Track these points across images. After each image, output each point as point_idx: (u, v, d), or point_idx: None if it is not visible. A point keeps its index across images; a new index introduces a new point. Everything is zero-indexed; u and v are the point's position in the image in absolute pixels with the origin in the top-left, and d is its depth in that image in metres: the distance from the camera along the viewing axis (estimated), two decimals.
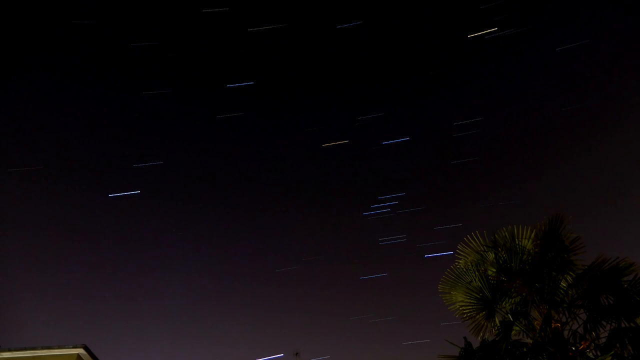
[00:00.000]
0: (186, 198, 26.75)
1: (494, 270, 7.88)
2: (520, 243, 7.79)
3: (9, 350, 13.39)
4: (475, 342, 7.22)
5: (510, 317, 7.28)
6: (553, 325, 7.02)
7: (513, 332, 7.33)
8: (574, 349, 6.87)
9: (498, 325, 7.42)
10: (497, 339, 7.09)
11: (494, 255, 7.94)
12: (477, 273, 7.82)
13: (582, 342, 6.87)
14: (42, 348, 13.34)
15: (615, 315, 6.80)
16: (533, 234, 7.75)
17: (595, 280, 7.03)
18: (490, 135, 24.20)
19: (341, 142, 23.78)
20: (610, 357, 6.37)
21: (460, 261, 8.25)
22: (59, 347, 13.25)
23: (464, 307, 7.81)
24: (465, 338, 7.18)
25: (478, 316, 7.62)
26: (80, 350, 13.30)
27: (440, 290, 8.25)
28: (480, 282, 7.67)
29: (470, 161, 24.73)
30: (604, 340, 6.79)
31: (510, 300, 7.53)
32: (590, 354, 6.81)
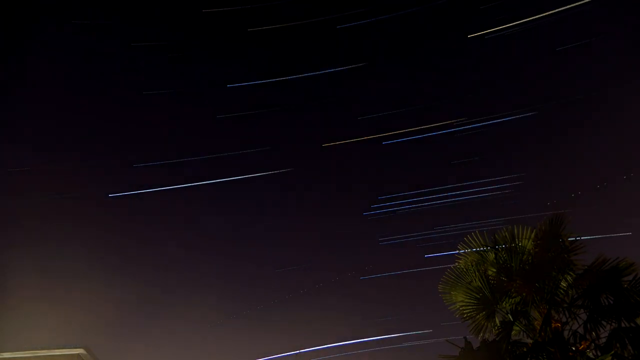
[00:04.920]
0: (185, 197, 26.76)
1: (494, 270, 7.88)
2: (520, 243, 7.80)
3: (10, 350, 13.41)
4: (476, 342, 7.24)
5: (510, 317, 7.29)
6: (553, 325, 7.03)
7: (513, 332, 7.33)
8: (574, 349, 6.87)
9: (498, 325, 7.42)
10: (497, 339, 7.10)
11: (494, 255, 7.94)
12: (477, 273, 7.82)
13: (582, 342, 6.87)
14: (43, 349, 13.37)
15: (615, 315, 6.80)
16: (533, 234, 7.75)
17: (595, 280, 7.03)
18: (490, 135, 24.18)
19: (341, 142, 23.77)
20: (610, 357, 6.38)
21: (460, 261, 8.25)
22: (60, 348, 13.27)
23: (464, 307, 7.81)
24: (465, 338, 7.19)
25: (478, 316, 7.62)
26: (81, 351, 13.33)
27: (440, 290, 8.26)
28: (480, 282, 7.67)
29: (471, 161, 24.73)
30: (604, 340, 6.80)
31: (510, 300, 7.53)
32: (590, 354, 6.82)
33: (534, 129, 23.84)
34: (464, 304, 7.81)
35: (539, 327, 7.03)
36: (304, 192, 28.20)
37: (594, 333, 6.88)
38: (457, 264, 8.24)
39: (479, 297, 7.63)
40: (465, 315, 7.73)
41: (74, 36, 23.35)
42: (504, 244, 7.88)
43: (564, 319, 7.14)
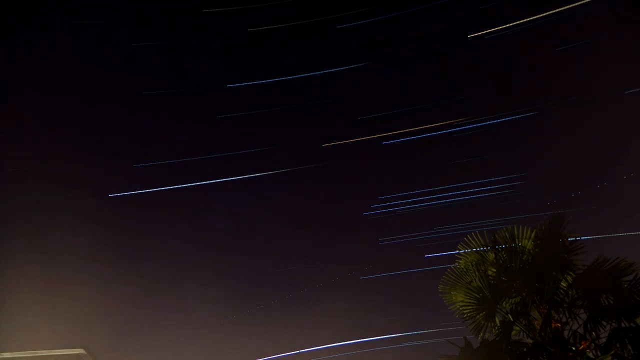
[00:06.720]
0: (185, 197, 26.77)
1: (494, 270, 7.88)
2: (520, 243, 7.80)
3: (10, 350, 13.42)
4: (476, 342, 7.24)
5: (510, 317, 7.29)
6: (553, 325, 7.03)
7: (513, 332, 7.34)
8: (574, 349, 6.88)
9: (498, 325, 7.42)
10: (497, 339, 7.11)
11: (494, 255, 7.95)
12: (477, 273, 7.83)
13: (582, 342, 6.88)
14: (43, 349, 13.37)
15: (615, 315, 6.81)
16: (533, 234, 7.76)
17: (595, 280, 7.04)
18: (490, 135, 24.18)
19: (341, 142, 23.77)
20: (610, 357, 6.38)
21: (460, 261, 8.25)
22: (60, 348, 13.27)
23: (464, 307, 7.81)
24: (465, 338, 7.20)
25: (478, 316, 7.62)
26: (81, 351, 13.33)
27: (440, 290, 8.26)
28: (480, 282, 7.67)
29: (471, 161, 24.75)
30: (604, 340, 6.81)
31: (510, 300, 7.53)
32: (590, 354, 6.82)
33: (534, 129, 23.82)
34: (464, 304, 7.81)
35: (539, 327, 7.03)
36: (304, 192, 28.21)
37: (594, 333, 6.89)
38: (457, 264, 8.25)
39: (479, 297, 7.62)
40: (465, 315, 7.73)
41: (74, 36, 23.36)
42: (504, 244, 7.89)
43: (564, 319, 7.14)
